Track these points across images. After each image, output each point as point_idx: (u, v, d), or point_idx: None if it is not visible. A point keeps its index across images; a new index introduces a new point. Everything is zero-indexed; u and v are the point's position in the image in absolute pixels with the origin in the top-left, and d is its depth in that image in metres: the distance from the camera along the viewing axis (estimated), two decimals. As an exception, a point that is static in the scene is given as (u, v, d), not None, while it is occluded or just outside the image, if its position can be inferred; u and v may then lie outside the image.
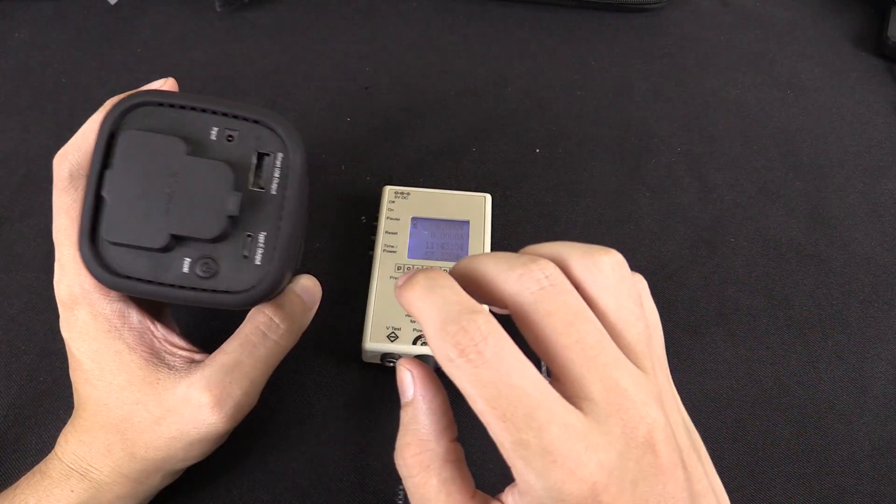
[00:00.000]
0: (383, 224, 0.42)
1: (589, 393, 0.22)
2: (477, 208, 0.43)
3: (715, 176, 0.50)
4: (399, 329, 0.38)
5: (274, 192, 0.28)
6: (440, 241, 0.42)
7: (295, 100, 0.52)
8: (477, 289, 0.24)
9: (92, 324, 0.29)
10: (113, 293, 0.29)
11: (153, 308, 0.32)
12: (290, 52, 0.55)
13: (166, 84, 0.30)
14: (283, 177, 0.28)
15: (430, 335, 0.22)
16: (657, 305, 0.42)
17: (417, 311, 0.23)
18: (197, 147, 0.27)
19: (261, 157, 0.28)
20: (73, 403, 0.38)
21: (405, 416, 0.25)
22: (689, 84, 0.55)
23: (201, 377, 0.30)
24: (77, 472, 0.30)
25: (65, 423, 0.37)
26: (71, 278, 0.29)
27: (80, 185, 0.29)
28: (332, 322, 0.40)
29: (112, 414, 0.30)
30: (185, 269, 0.27)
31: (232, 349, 0.31)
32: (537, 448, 0.20)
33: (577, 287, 0.23)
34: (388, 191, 0.44)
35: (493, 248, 0.42)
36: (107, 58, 0.54)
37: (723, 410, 0.39)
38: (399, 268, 0.41)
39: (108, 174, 0.27)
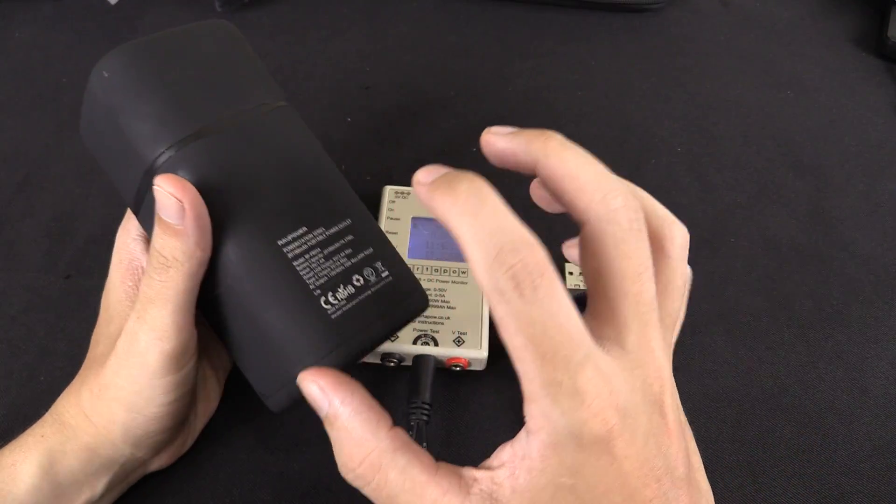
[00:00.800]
0: (384, 224, 0.42)
1: (625, 342, 0.22)
2: None
3: (715, 176, 0.50)
4: (399, 329, 0.38)
5: None
6: (440, 240, 0.42)
7: (295, 100, 0.52)
8: (552, 186, 0.24)
9: (113, 264, 0.33)
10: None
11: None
12: (290, 52, 0.55)
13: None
14: None
15: (480, 261, 0.20)
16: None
17: (459, 229, 0.20)
18: None
19: None
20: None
21: (331, 429, 0.24)
22: (689, 84, 0.55)
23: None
24: (52, 416, 0.31)
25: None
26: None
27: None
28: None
29: (96, 350, 0.31)
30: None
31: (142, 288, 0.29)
32: (570, 388, 0.20)
33: (651, 239, 0.24)
34: (389, 190, 0.44)
35: None
36: (107, 58, 0.54)
37: (723, 410, 0.39)
38: None
39: None
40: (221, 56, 0.31)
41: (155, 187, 0.26)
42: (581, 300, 0.42)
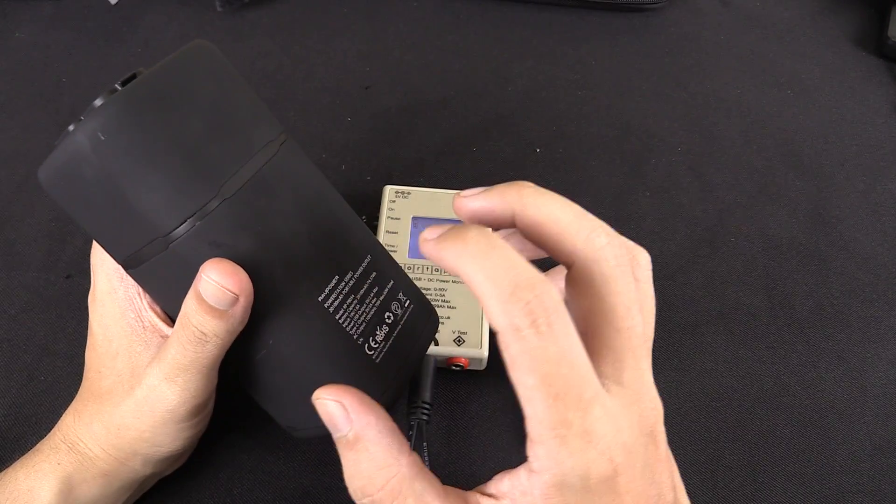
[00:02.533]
0: (384, 223, 0.42)
1: (622, 378, 0.22)
2: None
3: (715, 176, 0.50)
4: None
5: None
6: None
7: (295, 100, 0.52)
8: (533, 233, 0.24)
9: (106, 286, 0.31)
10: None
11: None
12: (290, 52, 0.55)
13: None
14: None
15: (495, 298, 0.20)
16: (657, 305, 0.42)
17: (472, 272, 0.20)
18: None
19: None
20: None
21: (349, 451, 0.23)
22: (689, 84, 0.55)
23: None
24: (66, 444, 0.30)
25: (65, 423, 0.37)
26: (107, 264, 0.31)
27: None
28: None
29: (102, 382, 0.30)
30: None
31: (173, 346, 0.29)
32: (579, 428, 0.20)
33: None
34: (389, 190, 0.44)
35: None
36: (107, 58, 0.54)
37: (723, 410, 0.39)
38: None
39: None
40: (217, 93, 0.27)
41: (203, 277, 0.25)
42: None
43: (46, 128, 0.50)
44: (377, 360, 0.28)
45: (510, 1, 0.60)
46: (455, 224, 0.22)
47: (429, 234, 0.22)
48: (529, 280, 0.20)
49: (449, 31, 0.57)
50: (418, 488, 0.22)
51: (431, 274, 0.40)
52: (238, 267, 0.25)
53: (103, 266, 0.31)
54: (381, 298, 0.29)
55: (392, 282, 0.30)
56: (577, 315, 0.23)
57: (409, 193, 0.44)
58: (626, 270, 0.23)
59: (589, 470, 0.20)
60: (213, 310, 0.25)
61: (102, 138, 0.24)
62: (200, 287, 0.25)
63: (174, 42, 0.55)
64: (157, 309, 0.31)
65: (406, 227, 0.42)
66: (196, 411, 0.30)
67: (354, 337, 0.28)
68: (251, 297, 0.26)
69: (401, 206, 0.43)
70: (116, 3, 0.57)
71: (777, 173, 0.50)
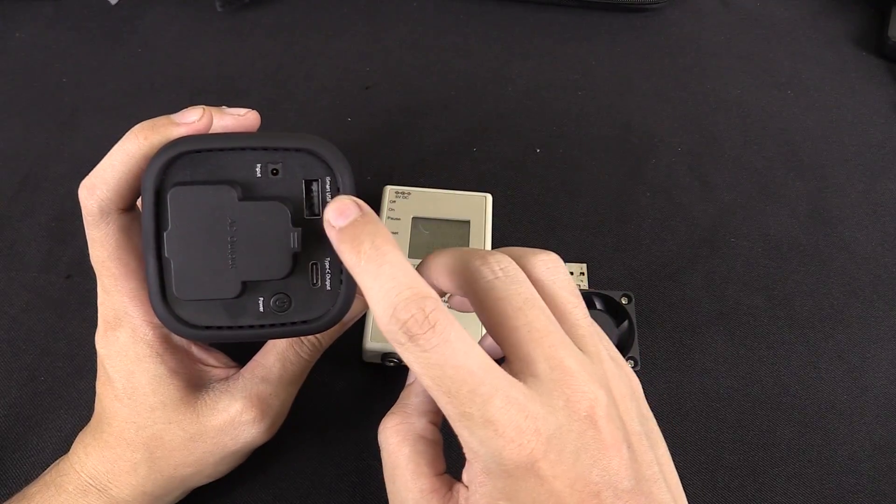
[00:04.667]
0: (384, 224, 0.42)
1: (535, 370, 0.23)
2: (478, 208, 0.43)
3: (715, 176, 0.50)
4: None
5: None
6: (441, 240, 0.42)
7: (295, 100, 0.52)
8: (438, 278, 0.27)
9: (132, 346, 0.29)
10: (155, 319, 0.28)
11: None
12: (290, 52, 0.55)
13: (202, 119, 0.28)
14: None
15: (379, 317, 0.22)
16: (657, 306, 0.42)
17: (364, 287, 0.23)
18: (245, 188, 0.27)
19: (308, 184, 0.27)
20: (74, 403, 0.39)
21: (401, 396, 0.27)
22: (689, 84, 0.55)
23: (242, 390, 0.30)
24: (96, 487, 0.30)
25: (66, 423, 0.37)
26: (115, 302, 0.29)
27: (112, 219, 0.28)
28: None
29: (142, 433, 0.29)
30: (261, 308, 0.28)
31: (269, 363, 0.31)
32: (480, 419, 0.22)
33: (530, 280, 0.26)
34: (389, 190, 0.44)
35: (493, 248, 0.42)
36: (107, 58, 0.54)
37: (723, 410, 0.39)
38: None
39: (167, 236, 0.26)
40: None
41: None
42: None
43: (46, 128, 0.49)
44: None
45: (510, 1, 0.60)
46: (359, 218, 0.24)
47: (333, 216, 0.24)
48: (408, 300, 0.22)
49: (449, 31, 0.57)
50: (420, 447, 0.26)
51: None
52: None
53: (135, 331, 0.29)
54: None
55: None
56: (491, 335, 0.25)
57: (409, 194, 0.44)
58: (509, 279, 0.25)
59: (501, 456, 0.22)
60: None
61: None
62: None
63: (174, 42, 0.55)
64: (211, 351, 0.33)
65: (406, 226, 0.42)
66: (271, 434, 0.32)
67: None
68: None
69: (401, 206, 0.43)
70: (116, 3, 0.57)
71: (777, 173, 0.50)
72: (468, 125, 0.51)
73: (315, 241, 0.27)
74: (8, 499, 0.30)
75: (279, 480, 0.36)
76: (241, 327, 0.27)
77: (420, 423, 0.26)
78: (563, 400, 0.23)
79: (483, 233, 0.42)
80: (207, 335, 0.27)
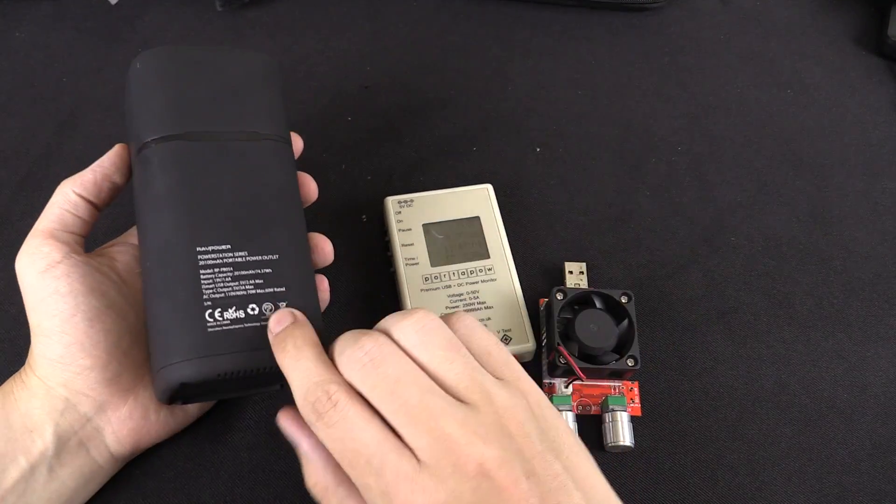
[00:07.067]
0: (396, 237, 0.41)
1: (418, 446, 0.25)
2: (483, 201, 0.43)
3: (715, 175, 0.50)
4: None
5: None
6: (457, 241, 0.41)
7: (295, 100, 0.52)
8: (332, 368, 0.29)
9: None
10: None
11: None
12: (290, 52, 0.55)
13: None
14: None
15: (297, 401, 0.27)
16: (657, 305, 0.42)
17: (287, 375, 0.28)
18: None
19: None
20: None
21: (302, 460, 0.29)
22: (689, 84, 0.55)
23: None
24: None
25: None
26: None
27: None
28: (334, 323, 0.40)
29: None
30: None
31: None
32: (377, 490, 0.25)
33: (402, 350, 0.28)
34: (391, 202, 0.43)
35: (508, 240, 0.43)
36: (107, 58, 0.54)
37: (723, 409, 0.39)
38: (427, 279, 0.40)
39: None
40: (243, 82, 0.34)
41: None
42: (582, 298, 0.42)
43: (46, 128, 0.49)
44: (208, 330, 0.29)
45: (510, 1, 0.60)
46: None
47: (273, 324, 0.30)
48: (315, 385, 0.27)
49: (449, 31, 0.57)
50: (343, 495, 0.28)
51: (460, 278, 0.40)
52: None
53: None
54: (259, 292, 0.30)
55: (283, 289, 0.31)
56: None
57: (411, 201, 0.43)
58: (374, 363, 0.27)
59: None
60: None
61: (137, 66, 0.34)
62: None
63: (174, 42, 0.55)
64: None
65: (420, 236, 0.41)
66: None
67: (204, 298, 0.29)
68: None
69: (407, 215, 0.42)
70: (116, 3, 0.57)
71: (777, 173, 0.50)
72: (468, 124, 0.51)
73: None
74: None
75: (280, 479, 0.36)
76: None
77: (329, 476, 0.28)
78: (450, 467, 0.24)
79: (496, 225, 0.42)
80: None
